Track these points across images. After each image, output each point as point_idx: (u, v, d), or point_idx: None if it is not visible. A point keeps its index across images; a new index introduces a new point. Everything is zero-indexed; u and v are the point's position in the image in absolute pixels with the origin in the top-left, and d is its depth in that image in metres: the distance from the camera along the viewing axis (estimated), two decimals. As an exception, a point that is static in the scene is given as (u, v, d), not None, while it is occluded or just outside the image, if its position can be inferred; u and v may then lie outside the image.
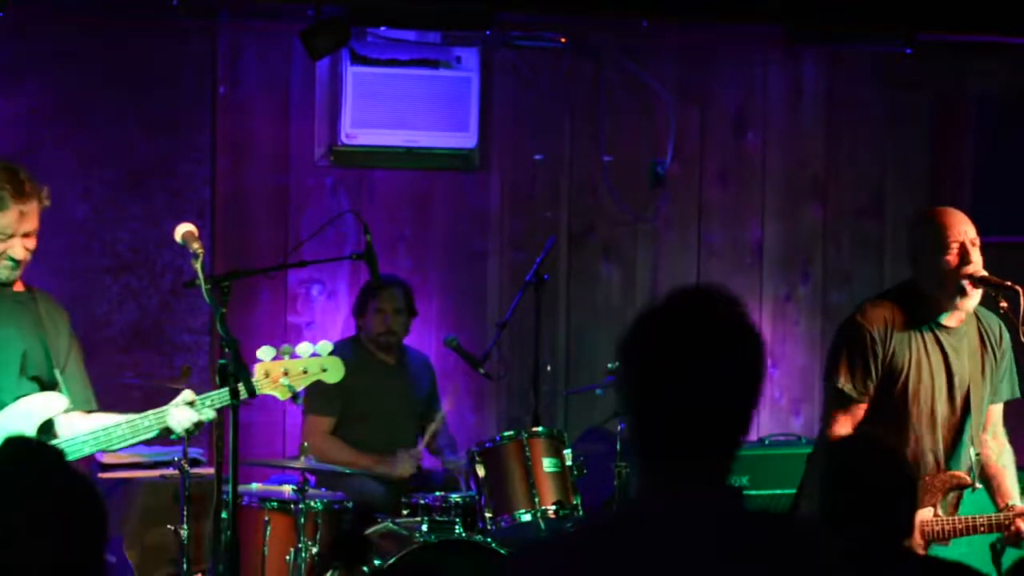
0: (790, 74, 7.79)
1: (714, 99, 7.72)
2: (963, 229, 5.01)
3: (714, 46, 7.68)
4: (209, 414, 4.68)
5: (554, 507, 5.79)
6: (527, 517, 5.78)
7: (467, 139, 7.28)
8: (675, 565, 2.35)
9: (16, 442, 2.69)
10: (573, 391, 7.31)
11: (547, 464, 5.86)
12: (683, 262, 7.70)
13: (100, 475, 6.36)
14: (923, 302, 5.08)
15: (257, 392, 4.72)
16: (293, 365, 4.82)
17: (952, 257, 4.98)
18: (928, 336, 5.07)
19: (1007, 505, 5.09)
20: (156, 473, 6.46)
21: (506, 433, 6.02)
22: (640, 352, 2.42)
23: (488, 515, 5.79)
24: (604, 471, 6.23)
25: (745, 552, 2.39)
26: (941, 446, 5.10)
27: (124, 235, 6.97)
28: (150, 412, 4.68)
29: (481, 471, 5.85)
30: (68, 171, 6.88)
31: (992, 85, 7.86)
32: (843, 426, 5.03)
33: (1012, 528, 4.99)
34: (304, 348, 4.82)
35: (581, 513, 5.85)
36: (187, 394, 4.70)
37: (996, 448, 5.22)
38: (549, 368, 7.34)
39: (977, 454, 5.14)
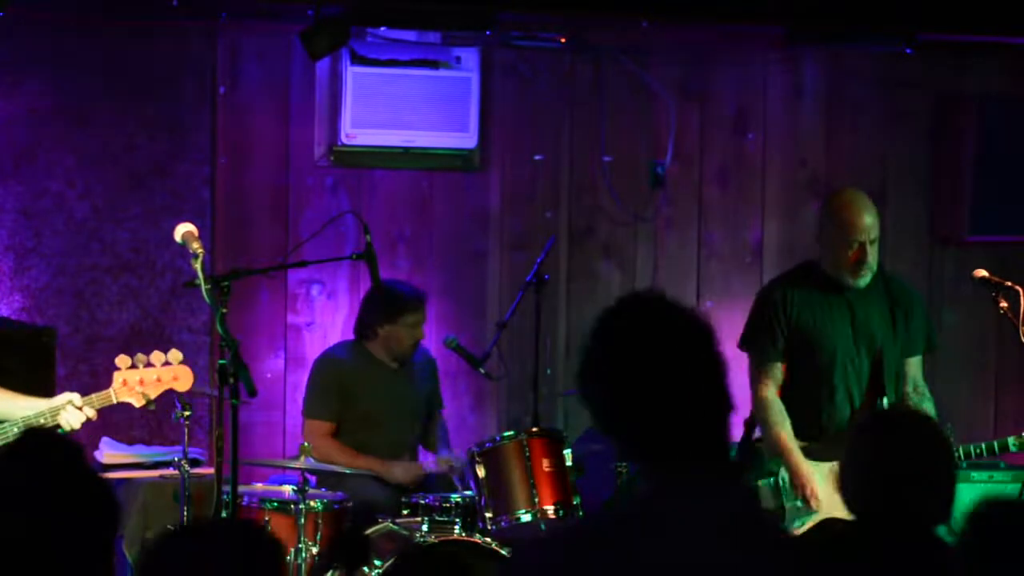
0: (790, 74, 7.79)
1: (714, 99, 7.72)
2: (866, 226, 5.56)
3: (714, 46, 7.68)
4: (91, 413, 4.88)
5: (554, 507, 5.79)
6: (527, 517, 5.79)
7: (467, 139, 7.27)
8: (685, 562, 2.35)
9: (35, 435, 2.71)
10: (573, 391, 7.30)
11: (547, 464, 5.86)
12: (683, 262, 7.69)
13: (100, 475, 6.35)
14: (824, 275, 5.66)
15: (115, 399, 4.93)
16: (147, 374, 4.98)
17: (852, 253, 5.55)
18: (833, 297, 5.63)
19: None
20: (156, 473, 6.47)
21: (506, 433, 6.02)
22: (618, 362, 2.43)
23: (488, 515, 5.79)
24: (604, 471, 6.23)
25: (756, 547, 2.39)
26: (858, 399, 5.57)
27: (124, 235, 6.97)
28: (44, 410, 4.84)
29: (481, 471, 5.84)
30: (68, 171, 6.88)
31: (992, 85, 7.86)
32: (766, 386, 5.61)
33: None
34: (157, 357, 4.99)
35: (581, 513, 5.85)
36: (75, 398, 4.87)
37: (916, 399, 5.64)
38: (549, 371, 7.34)
39: (892, 403, 5.56)
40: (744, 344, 5.74)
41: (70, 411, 4.83)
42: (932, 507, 3.46)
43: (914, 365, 5.73)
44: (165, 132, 7.00)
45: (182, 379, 5.05)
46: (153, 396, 4.99)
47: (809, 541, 2.44)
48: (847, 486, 3.55)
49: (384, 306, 6.52)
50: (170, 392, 5.53)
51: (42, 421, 4.82)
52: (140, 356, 4.98)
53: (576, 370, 2.51)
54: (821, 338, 5.61)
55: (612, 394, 2.45)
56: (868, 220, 5.59)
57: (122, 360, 4.97)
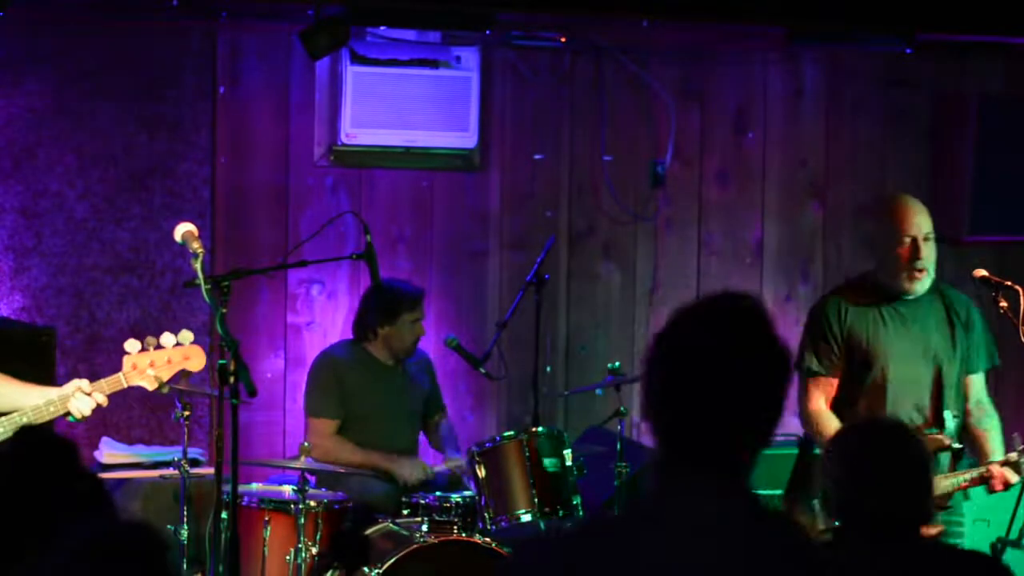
0: (790, 74, 7.79)
1: (714, 99, 7.72)
2: (916, 222, 5.33)
3: (714, 46, 7.68)
4: (101, 399, 4.83)
5: (554, 507, 5.79)
6: (527, 517, 5.79)
7: (467, 139, 7.28)
8: (683, 565, 2.35)
9: (30, 434, 2.71)
10: (573, 391, 7.30)
11: (547, 464, 5.86)
12: (683, 262, 7.70)
13: (100, 475, 6.35)
14: (879, 285, 5.41)
15: (125, 384, 4.87)
16: (158, 356, 4.92)
17: (904, 251, 5.31)
18: (887, 310, 5.38)
19: (987, 461, 5.28)
20: (156, 473, 6.47)
21: (506, 433, 6.02)
22: (678, 353, 2.43)
23: (488, 515, 5.79)
24: (604, 471, 6.23)
25: (754, 556, 2.39)
26: (919, 412, 5.32)
27: (124, 235, 6.97)
28: (54, 398, 4.79)
29: (481, 471, 5.84)
30: (68, 171, 6.88)
31: (992, 85, 7.86)
32: (815, 400, 5.41)
33: (991, 479, 5.17)
34: (167, 339, 4.93)
35: (581, 513, 5.85)
36: (83, 384, 4.82)
37: (978, 415, 5.44)
38: (549, 369, 7.35)
39: (955, 416, 5.35)
40: (799, 360, 5.48)
41: (79, 397, 4.78)
42: (910, 508, 3.51)
43: (976, 383, 5.49)
44: (165, 132, 7.00)
45: (194, 359, 4.97)
46: (166, 378, 4.91)
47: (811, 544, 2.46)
48: (827, 494, 3.60)
49: (382, 307, 6.52)
50: (174, 391, 5.54)
51: (52, 410, 4.78)
52: (150, 339, 4.91)
53: (648, 346, 2.50)
54: (876, 353, 5.36)
55: (651, 380, 2.44)
56: (919, 217, 5.36)
57: (131, 344, 4.90)
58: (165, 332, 4.93)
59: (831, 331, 5.40)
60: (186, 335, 4.96)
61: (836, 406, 5.42)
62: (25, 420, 4.75)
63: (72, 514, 2.60)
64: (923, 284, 5.35)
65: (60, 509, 2.59)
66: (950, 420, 5.33)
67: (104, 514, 2.64)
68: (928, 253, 5.32)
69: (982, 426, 5.43)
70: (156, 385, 4.91)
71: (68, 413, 4.81)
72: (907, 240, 5.30)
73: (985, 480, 5.17)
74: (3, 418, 4.78)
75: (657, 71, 7.59)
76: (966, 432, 5.41)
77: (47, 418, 4.81)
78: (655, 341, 2.46)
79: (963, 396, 5.43)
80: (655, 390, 2.44)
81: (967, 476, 5.17)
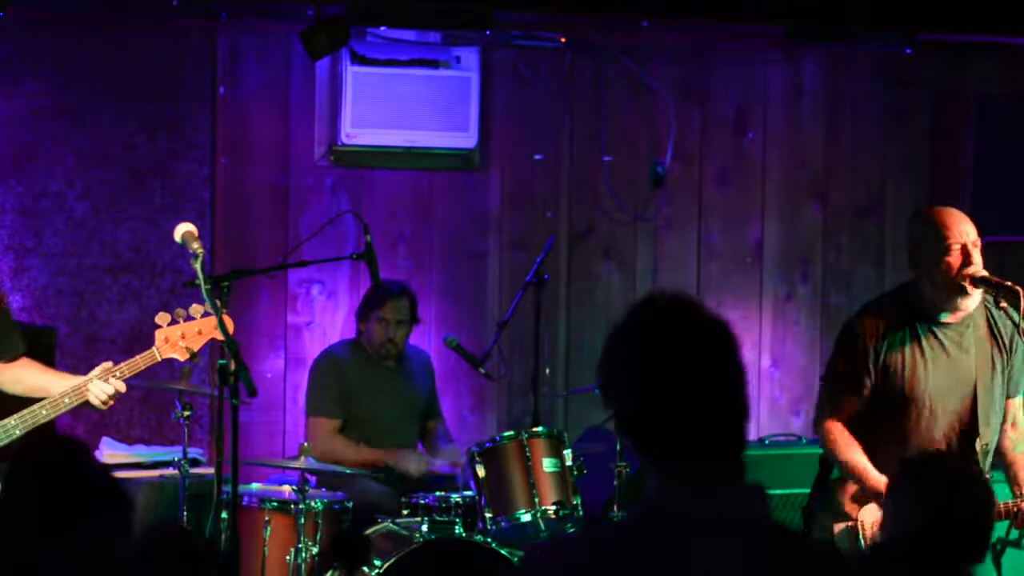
0: (790, 74, 7.79)
1: (714, 99, 7.72)
2: (964, 230, 4.98)
3: (714, 46, 7.68)
4: (119, 384, 4.84)
5: (554, 507, 5.79)
6: (527, 517, 5.78)
7: (467, 139, 7.28)
8: (704, 566, 2.35)
9: (44, 436, 2.72)
10: (573, 391, 7.31)
11: (547, 464, 5.86)
12: (683, 262, 7.70)
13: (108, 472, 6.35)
14: (923, 302, 5.06)
15: (159, 357, 4.90)
16: (188, 327, 4.94)
17: (953, 259, 4.95)
18: (926, 334, 5.04)
19: (1020, 494, 5.03)
20: (156, 473, 6.47)
21: (506, 433, 6.01)
22: (646, 357, 2.42)
23: (488, 515, 5.79)
24: (604, 471, 6.23)
25: (775, 554, 2.40)
26: (948, 440, 5.06)
27: (124, 235, 6.97)
28: (69, 389, 4.80)
29: (481, 471, 5.84)
30: (68, 171, 6.88)
31: (992, 85, 7.86)
32: (833, 419, 5.07)
33: (1021, 515, 4.94)
34: (195, 309, 4.95)
35: (581, 513, 5.85)
36: (107, 365, 4.84)
37: (1015, 437, 5.17)
38: (548, 371, 7.34)
39: (985, 445, 5.08)
40: (828, 380, 5.16)
41: (96, 385, 4.78)
42: (966, 546, 3.54)
43: (1014, 403, 5.14)
44: (165, 132, 7.01)
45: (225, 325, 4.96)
46: (196, 349, 4.94)
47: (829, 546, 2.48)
48: (888, 520, 3.61)
49: (362, 302, 6.62)
50: (174, 391, 5.53)
51: (67, 401, 4.76)
52: (179, 311, 4.92)
53: (599, 360, 2.49)
54: (913, 387, 5.00)
55: (635, 388, 2.43)
56: (965, 224, 4.97)
57: (162, 317, 4.92)
58: (194, 303, 4.93)
59: (867, 356, 5.02)
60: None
61: (868, 432, 5.09)
62: (44, 412, 4.74)
63: (87, 512, 2.60)
64: (973, 300, 4.99)
65: (74, 507, 2.60)
66: (983, 450, 5.08)
67: (119, 510, 2.65)
68: (979, 259, 4.95)
69: (1018, 450, 5.15)
70: (188, 356, 4.93)
71: (89, 403, 4.80)
72: (956, 248, 4.94)
73: (1013, 514, 4.91)
74: (19, 415, 4.75)
75: (657, 71, 7.59)
76: (1001, 455, 5.14)
77: (64, 410, 4.79)
78: (630, 350, 2.45)
79: (1000, 419, 5.13)
80: (649, 396, 2.42)
81: (999, 508, 4.96)
